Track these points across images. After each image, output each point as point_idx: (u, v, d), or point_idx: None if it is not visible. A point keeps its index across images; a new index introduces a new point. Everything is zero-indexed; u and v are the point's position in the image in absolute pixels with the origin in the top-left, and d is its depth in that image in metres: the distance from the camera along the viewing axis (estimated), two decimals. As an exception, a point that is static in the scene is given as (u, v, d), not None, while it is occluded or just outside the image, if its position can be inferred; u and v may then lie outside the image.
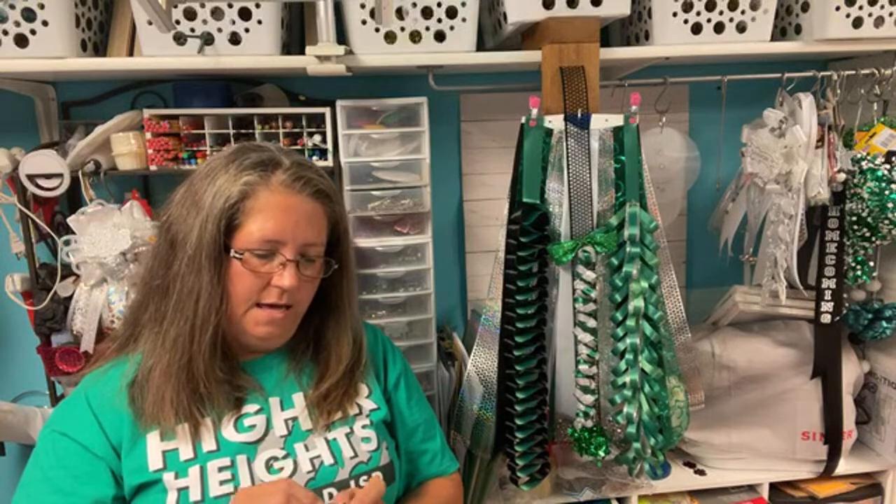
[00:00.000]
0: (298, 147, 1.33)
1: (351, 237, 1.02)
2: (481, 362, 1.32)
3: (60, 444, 0.86)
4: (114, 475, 0.85)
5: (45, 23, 1.18)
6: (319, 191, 0.92)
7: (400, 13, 1.24)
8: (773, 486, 1.53)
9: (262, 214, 0.88)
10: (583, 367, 1.26)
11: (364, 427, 0.97)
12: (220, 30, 1.22)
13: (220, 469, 0.87)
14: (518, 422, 1.25)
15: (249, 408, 0.92)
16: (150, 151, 1.30)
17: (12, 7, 1.17)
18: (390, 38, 1.27)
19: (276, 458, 0.90)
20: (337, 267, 0.97)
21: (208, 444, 0.88)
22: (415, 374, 1.13)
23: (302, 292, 0.93)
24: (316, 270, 0.95)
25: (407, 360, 1.13)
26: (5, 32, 1.18)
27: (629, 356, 1.22)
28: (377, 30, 1.26)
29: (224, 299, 0.88)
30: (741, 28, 1.35)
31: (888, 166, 1.35)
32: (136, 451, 0.86)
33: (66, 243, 1.24)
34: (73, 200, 1.42)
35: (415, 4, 1.25)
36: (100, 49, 1.34)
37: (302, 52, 1.22)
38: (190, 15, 1.22)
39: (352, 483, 0.92)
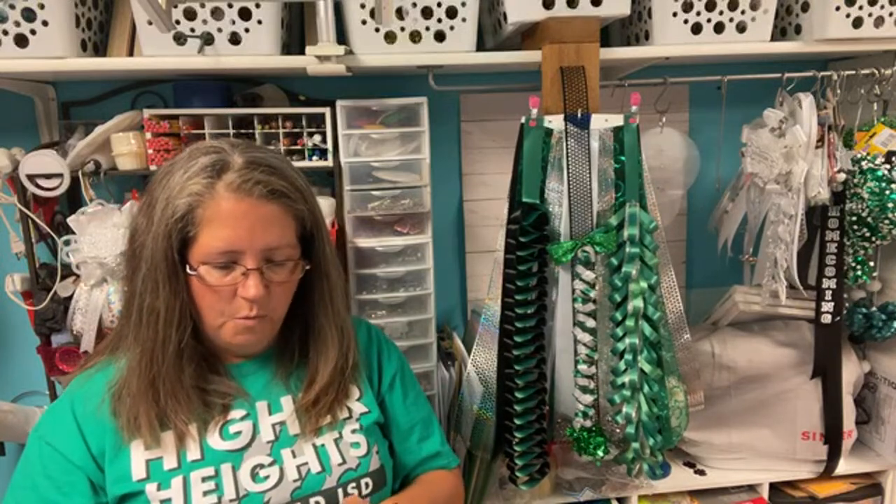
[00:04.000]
0: (298, 147, 1.33)
1: (328, 232, 0.96)
2: (481, 362, 1.32)
3: (45, 452, 0.86)
4: (93, 486, 0.85)
5: (45, 23, 1.18)
6: (274, 191, 0.84)
7: (400, 13, 1.24)
8: (773, 486, 1.53)
9: (215, 223, 0.82)
10: (582, 367, 1.27)
11: (354, 432, 0.95)
12: (220, 30, 1.22)
13: (204, 479, 0.85)
14: (517, 421, 1.25)
15: (236, 413, 0.90)
16: (150, 151, 1.30)
17: (12, 7, 1.17)
18: (390, 38, 1.27)
19: (262, 466, 0.88)
20: (309, 267, 0.91)
21: (193, 452, 0.86)
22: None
23: (274, 299, 0.88)
24: (286, 274, 0.88)
25: (405, 357, 1.11)
26: (5, 32, 1.18)
27: (628, 356, 1.22)
28: (377, 30, 1.25)
29: (185, 315, 0.85)
30: (741, 28, 1.35)
31: (888, 166, 1.35)
32: (119, 460, 0.85)
33: (66, 243, 1.24)
34: (73, 200, 1.42)
35: (415, 4, 1.25)
36: (100, 49, 1.34)
37: (302, 52, 1.22)
38: (190, 15, 1.22)
39: (339, 491, 0.90)
